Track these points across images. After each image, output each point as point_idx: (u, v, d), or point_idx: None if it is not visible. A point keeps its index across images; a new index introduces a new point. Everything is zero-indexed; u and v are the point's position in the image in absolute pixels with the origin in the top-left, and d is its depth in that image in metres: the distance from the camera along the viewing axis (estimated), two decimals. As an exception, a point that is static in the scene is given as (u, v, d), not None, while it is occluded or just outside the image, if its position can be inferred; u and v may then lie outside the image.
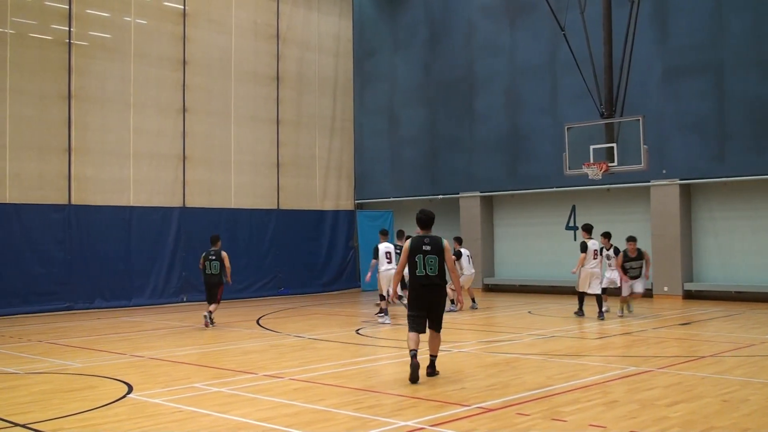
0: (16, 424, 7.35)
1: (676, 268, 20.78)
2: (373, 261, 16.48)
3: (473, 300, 19.13)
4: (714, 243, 20.92)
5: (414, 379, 9.10)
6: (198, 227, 22.02)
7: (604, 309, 16.23)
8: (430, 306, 9.48)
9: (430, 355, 9.66)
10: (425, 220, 9.66)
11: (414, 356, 9.19)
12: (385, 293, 16.04)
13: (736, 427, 6.91)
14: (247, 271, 23.06)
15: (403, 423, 7.14)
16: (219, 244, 16.08)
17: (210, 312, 15.70)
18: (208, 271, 15.76)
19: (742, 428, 6.87)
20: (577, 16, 20.24)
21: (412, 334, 9.40)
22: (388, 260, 16.28)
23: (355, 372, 10.15)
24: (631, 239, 16.36)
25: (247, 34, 23.97)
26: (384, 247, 16.45)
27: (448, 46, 26.39)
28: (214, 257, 15.75)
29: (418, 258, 9.37)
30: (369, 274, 16.65)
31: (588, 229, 16.94)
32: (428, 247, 9.40)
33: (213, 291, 15.78)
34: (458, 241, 19.55)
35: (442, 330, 9.70)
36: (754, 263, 20.05)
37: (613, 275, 16.54)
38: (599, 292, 16.23)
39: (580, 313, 16.69)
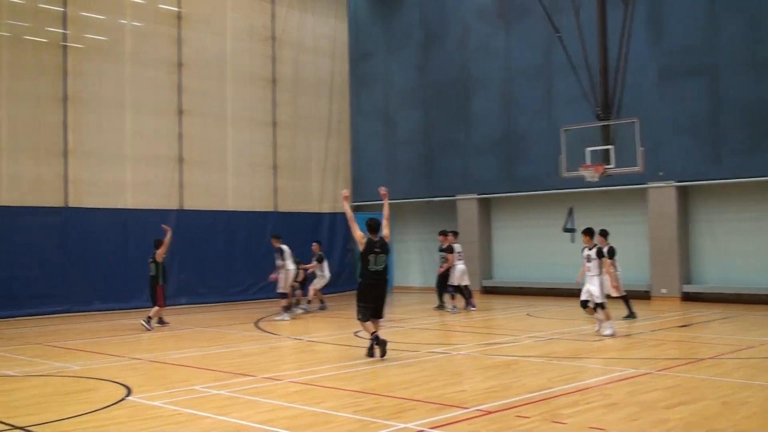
0: (15, 427, 7.33)
1: (673, 270, 20.79)
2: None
3: (322, 302, 20.23)
4: (712, 245, 20.95)
5: (382, 354, 11.02)
6: (195, 229, 22.03)
7: (604, 332, 14.14)
8: (377, 296, 11.32)
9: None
10: (374, 226, 11.57)
11: (377, 338, 11.09)
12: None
13: (736, 429, 6.92)
14: (244, 273, 23.09)
15: (402, 425, 7.13)
16: (159, 246, 16.35)
17: (149, 317, 15.76)
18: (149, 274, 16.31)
19: (742, 430, 6.87)
20: (571, 18, 20.26)
21: (368, 324, 11.26)
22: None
23: (354, 374, 10.14)
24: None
25: (242, 36, 23.97)
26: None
27: (443, 49, 26.40)
28: (151, 259, 16.30)
29: (371, 257, 11.22)
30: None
31: (604, 234, 15.92)
32: (378, 249, 11.28)
33: (151, 292, 16.23)
34: (319, 243, 20.26)
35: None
36: (751, 265, 20.04)
37: (591, 286, 13.69)
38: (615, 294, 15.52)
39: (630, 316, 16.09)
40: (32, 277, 19.04)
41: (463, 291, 19.19)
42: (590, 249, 13.87)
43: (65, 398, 8.79)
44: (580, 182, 20.16)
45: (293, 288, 18.70)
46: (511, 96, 24.58)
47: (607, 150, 18.99)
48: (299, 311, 18.66)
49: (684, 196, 21.28)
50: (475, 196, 25.20)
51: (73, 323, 17.45)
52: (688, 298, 20.72)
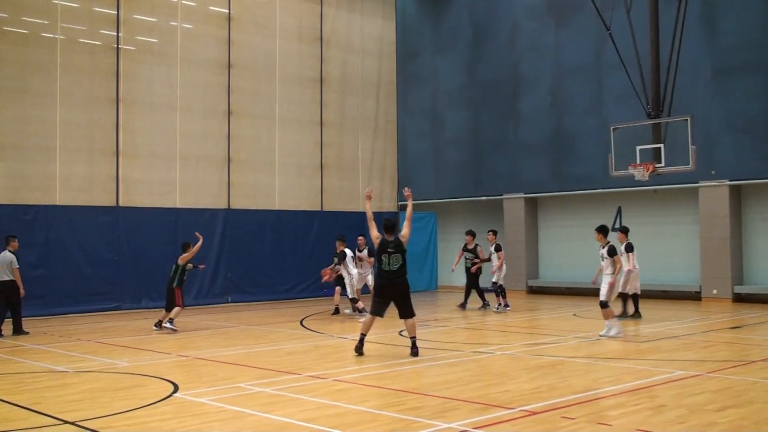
0: (66, 422, 7.49)
1: (725, 271, 20.36)
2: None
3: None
4: (766, 245, 20.46)
5: (357, 350, 11.53)
6: (243, 229, 22.29)
7: (602, 333, 13.72)
8: (394, 295, 11.52)
9: (411, 338, 11.56)
10: (389, 226, 11.68)
11: (362, 340, 11.60)
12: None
13: (788, 433, 6.76)
14: (291, 272, 23.28)
15: (446, 425, 7.11)
16: (186, 250, 15.44)
17: (171, 318, 14.96)
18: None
19: (794, 435, 6.71)
20: (622, 15, 19.98)
21: (369, 317, 11.66)
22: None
23: (398, 373, 10.14)
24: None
25: (291, 37, 24.13)
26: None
27: (492, 48, 26.26)
28: (175, 261, 15.46)
29: (384, 256, 11.49)
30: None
31: (624, 230, 16.70)
32: (392, 249, 11.47)
33: (168, 296, 15.32)
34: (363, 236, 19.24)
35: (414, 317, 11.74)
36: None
37: (604, 286, 13.58)
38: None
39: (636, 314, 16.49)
40: (84, 275, 19.43)
41: (501, 291, 18.96)
42: (603, 248, 13.75)
43: (114, 394, 8.95)
44: (630, 181, 19.90)
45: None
46: (561, 94, 24.34)
47: (658, 148, 18.72)
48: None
49: (737, 195, 20.83)
50: (522, 195, 25.02)
51: (123, 320, 17.76)
52: (740, 299, 20.29)
